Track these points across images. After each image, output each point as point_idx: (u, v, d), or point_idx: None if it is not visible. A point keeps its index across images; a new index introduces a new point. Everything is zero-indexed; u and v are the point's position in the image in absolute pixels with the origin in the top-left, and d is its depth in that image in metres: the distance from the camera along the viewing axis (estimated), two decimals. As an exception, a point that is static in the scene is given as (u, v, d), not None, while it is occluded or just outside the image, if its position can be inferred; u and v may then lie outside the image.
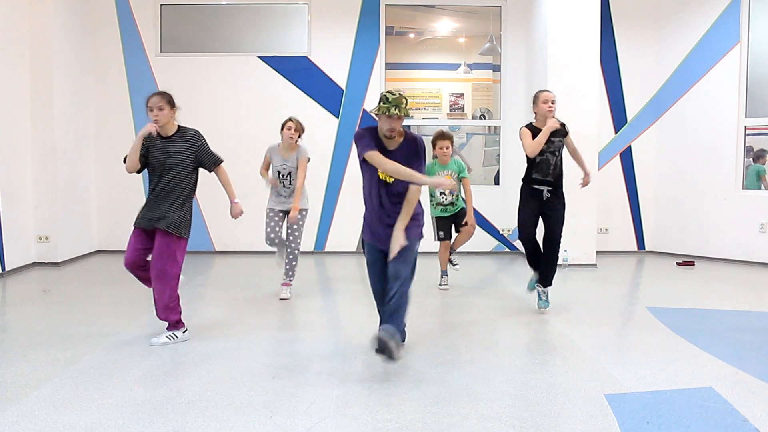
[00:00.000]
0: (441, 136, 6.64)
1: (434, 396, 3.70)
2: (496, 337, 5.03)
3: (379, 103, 4.21)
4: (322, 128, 9.13)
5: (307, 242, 8.44)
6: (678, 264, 8.44)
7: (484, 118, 10.50)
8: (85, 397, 3.64)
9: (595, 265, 8.19)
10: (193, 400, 3.61)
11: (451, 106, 11.06)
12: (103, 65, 9.12)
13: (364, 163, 4.32)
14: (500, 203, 9.10)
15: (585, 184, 5.82)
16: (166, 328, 4.79)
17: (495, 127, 10.02)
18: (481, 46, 10.31)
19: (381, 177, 4.30)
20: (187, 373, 4.12)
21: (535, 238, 5.67)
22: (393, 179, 4.26)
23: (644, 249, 9.51)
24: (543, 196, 5.58)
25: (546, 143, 5.51)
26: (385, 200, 4.34)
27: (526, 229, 5.65)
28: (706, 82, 8.80)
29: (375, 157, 4.18)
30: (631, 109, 9.38)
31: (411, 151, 4.30)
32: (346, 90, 9.19)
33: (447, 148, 6.56)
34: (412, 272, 4.41)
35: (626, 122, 9.38)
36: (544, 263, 5.69)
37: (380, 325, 4.13)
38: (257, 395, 3.70)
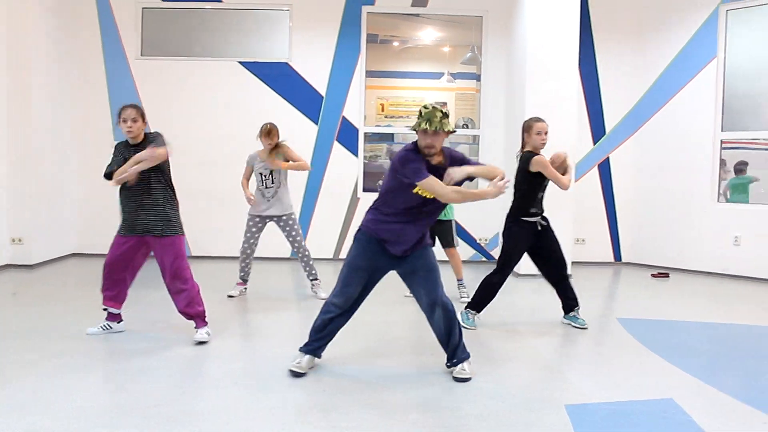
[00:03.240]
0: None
1: (394, 405, 3.70)
2: (465, 345, 5.02)
3: (417, 121, 4.03)
4: (301, 134, 9.14)
5: (284, 248, 8.37)
6: (653, 276, 8.48)
7: (467, 128, 10.51)
8: (46, 401, 3.61)
9: (571, 275, 8.18)
10: (154, 405, 3.59)
11: (433, 114, 11.08)
12: (83, 67, 9.08)
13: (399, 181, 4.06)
14: (478, 212, 9.12)
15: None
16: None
17: (476, 136, 10.05)
18: (464, 56, 10.35)
19: (423, 193, 4.05)
20: (151, 377, 4.09)
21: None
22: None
23: (621, 260, 9.55)
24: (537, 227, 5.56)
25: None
26: (423, 215, 4.17)
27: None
28: (684, 95, 8.88)
29: (434, 185, 3.95)
30: (610, 121, 9.44)
31: (457, 164, 4.12)
32: (325, 97, 9.20)
33: None
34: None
35: (605, 133, 9.44)
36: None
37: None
38: (218, 401, 3.69)
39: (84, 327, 5.14)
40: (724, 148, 8.64)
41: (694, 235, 8.79)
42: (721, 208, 8.61)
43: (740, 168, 8.74)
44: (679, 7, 8.91)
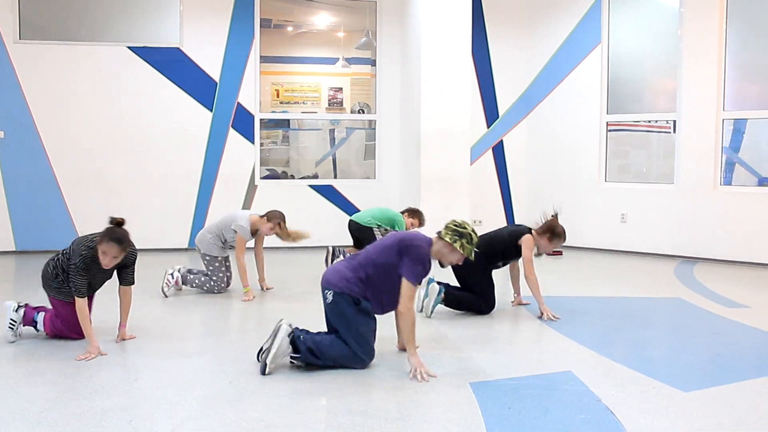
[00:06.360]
0: None
1: (302, 391, 3.67)
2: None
3: (461, 239, 4.08)
4: (195, 122, 8.91)
5: (181, 239, 8.18)
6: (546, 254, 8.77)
7: (363, 113, 10.53)
8: (-76, 410, 3.37)
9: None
10: (46, 409, 3.40)
11: (330, 100, 11.02)
12: (-48, 52, 8.48)
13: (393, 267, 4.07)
14: (378, 196, 9.16)
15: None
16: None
17: (372, 121, 10.08)
18: (359, 41, 10.35)
19: None
20: (43, 380, 3.87)
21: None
22: None
23: (516, 240, 9.83)
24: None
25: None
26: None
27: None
28: (572, 80, 9.23)
29: (406, 292, 4.04)
30: (503, 105, 9.70)
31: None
32: (219, 83, 8.98)
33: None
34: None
35: (498, 117, 9.68)
36: None
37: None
38: (118, 399, 3.55)
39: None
40: (610, 131, 9.05)
41: (584, 213, 9.16)
42: (608, 188, 9.02)
43: None
44: (565, -6, 9.25)
